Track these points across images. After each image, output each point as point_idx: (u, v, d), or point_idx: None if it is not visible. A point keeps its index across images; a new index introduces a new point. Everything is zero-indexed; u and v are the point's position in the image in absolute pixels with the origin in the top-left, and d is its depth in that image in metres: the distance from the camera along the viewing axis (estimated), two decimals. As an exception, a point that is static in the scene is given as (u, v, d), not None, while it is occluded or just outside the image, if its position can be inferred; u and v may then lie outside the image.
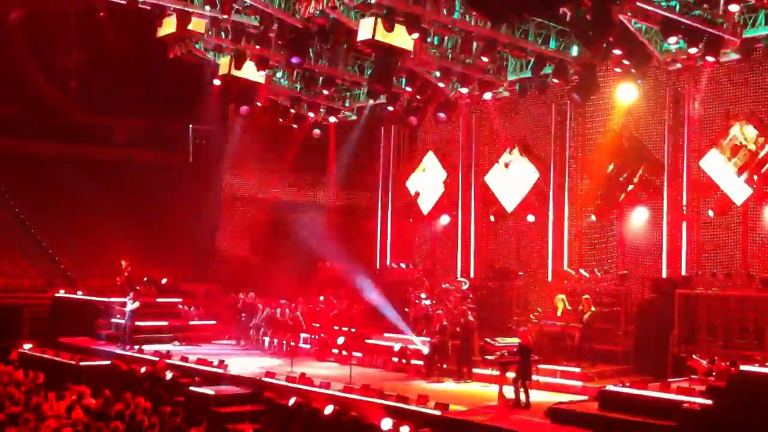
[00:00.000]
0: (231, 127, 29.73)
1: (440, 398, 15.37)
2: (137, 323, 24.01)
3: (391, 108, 24.29)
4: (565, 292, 19.86)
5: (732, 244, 19.54)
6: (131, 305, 22.91)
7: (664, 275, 20.10)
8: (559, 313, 19.16)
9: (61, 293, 27.50)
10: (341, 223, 27.51)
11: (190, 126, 35.55)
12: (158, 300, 26.55)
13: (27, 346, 22.95)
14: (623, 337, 18.97)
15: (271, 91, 25.03)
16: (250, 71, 22.30)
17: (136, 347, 22.27)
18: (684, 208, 20.18)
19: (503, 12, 14.49)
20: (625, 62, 17.89)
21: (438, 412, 14.60)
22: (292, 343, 22.28)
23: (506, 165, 23.54)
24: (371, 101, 25.09)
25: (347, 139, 28.05)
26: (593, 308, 18.54)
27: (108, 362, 20.80)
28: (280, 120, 26.43)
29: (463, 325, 19.23)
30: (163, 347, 22.60)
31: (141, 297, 23.80)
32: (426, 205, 25.87)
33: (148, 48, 22.73)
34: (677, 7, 16.84)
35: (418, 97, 23.26)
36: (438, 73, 21.77)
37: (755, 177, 18.93)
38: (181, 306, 26.41)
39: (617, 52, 17.43)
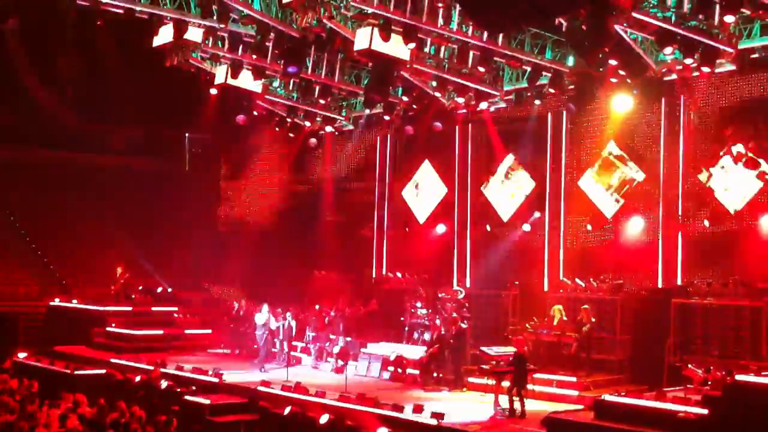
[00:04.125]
0: (227, 136, 29.74)
1: (436, 407, 15.31)
2: (138, 332, 24.08)
3: (387, 117, 24.34)
4: (561, 301, 19.87)
5: (728, 254, 19.54)
6: (274, 323, 22.46)
7: (659, 284, 20.13)
8: (555, 323, 19.15)
9: (57, 301, 27.45)
10: (337, 232, 27.50)
11: (186, 134, 35.58)
12: (154, 309, 26.56)
13: (22, 355, 22.86)
14: (619, 347, 18.99)
15: (267, 101, 25.08)
16: (246, 80, 22.33)
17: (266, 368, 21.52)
18: (680, 217, 20.21)
19: (500, 22, 14.49)
20: (621, 72, 17.97)
21: (434, 422, 14.58)
22: (287, 352, 22.29)
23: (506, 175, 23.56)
24: (368, 110, 25.14)
25: (343, 148, 28.10)
26: (593, 319, 18.52)
27: (103, 371, 20.74)
28: (277, 129, 26.46)
29: (456, 333, 19.22)
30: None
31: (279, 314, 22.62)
32: (422, 214, 25.90)
33: (145, 56, 22.75)
34: (673, 18, 16.91)
35: (415, 106, 23.33)
36: (434, 83, 21.81)
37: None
38: (176, 314, 26.38)
39: (613, 62, 17.50)
